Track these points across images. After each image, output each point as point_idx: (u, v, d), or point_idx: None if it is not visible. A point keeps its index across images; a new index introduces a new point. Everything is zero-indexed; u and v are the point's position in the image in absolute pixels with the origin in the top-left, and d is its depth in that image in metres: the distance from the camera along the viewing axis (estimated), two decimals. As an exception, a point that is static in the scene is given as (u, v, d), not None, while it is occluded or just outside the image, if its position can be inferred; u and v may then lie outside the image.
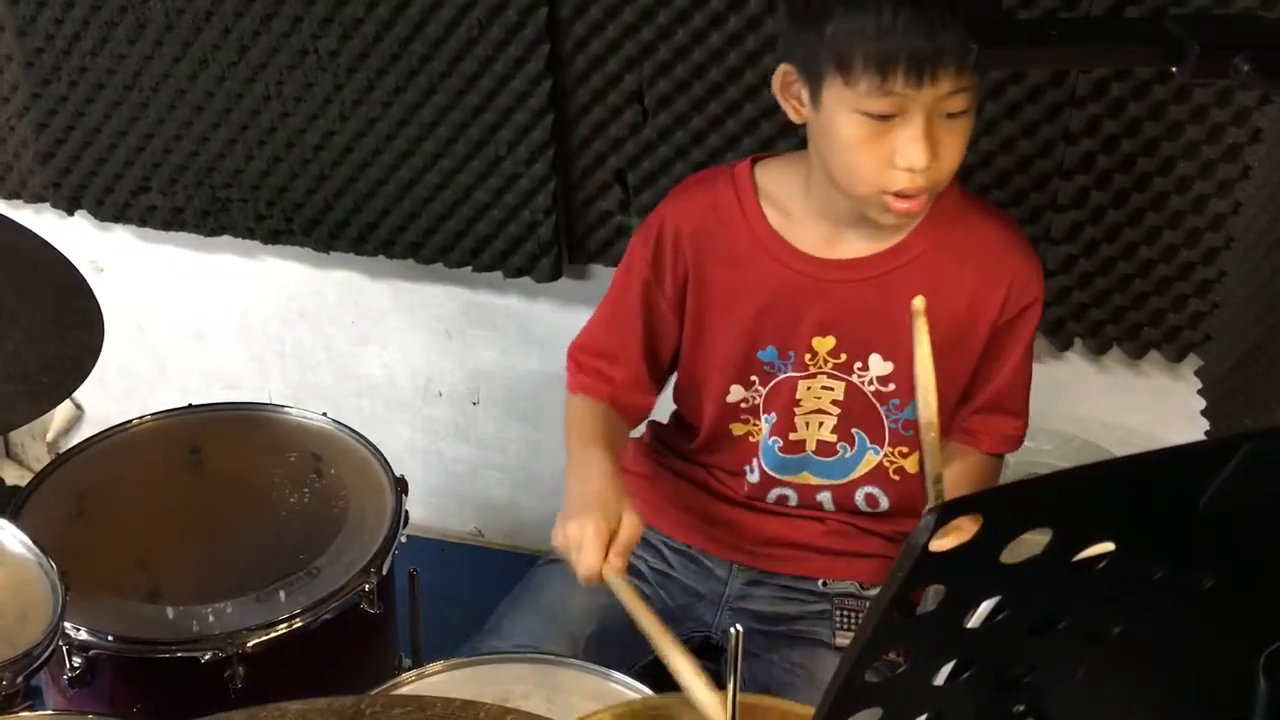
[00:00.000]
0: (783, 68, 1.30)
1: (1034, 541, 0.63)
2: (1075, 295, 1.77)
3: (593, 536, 1.25)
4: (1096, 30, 0.72)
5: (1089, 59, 1.00)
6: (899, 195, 1.26)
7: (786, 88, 1.30)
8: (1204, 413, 1.69)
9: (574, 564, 1.26)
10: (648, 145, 1.84)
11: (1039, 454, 1.83)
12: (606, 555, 1.25)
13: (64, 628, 1.27)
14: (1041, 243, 1.74)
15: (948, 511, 0.56)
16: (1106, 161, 1.68)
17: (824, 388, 1.41)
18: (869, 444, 1.43)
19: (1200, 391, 1.71)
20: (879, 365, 1.39)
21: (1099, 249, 1.74)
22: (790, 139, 1.75)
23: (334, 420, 1.64)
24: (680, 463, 1.54)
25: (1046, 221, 1.74)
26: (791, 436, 1.44)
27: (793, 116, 1.32)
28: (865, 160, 1.25)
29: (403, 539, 1.50)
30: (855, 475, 1.45)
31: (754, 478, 1.48)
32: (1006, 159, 1.71)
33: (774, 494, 1.48)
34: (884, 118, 1.22)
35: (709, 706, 1.10)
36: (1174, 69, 0.73)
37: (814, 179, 1.36)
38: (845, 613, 1.46)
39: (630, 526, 1.27)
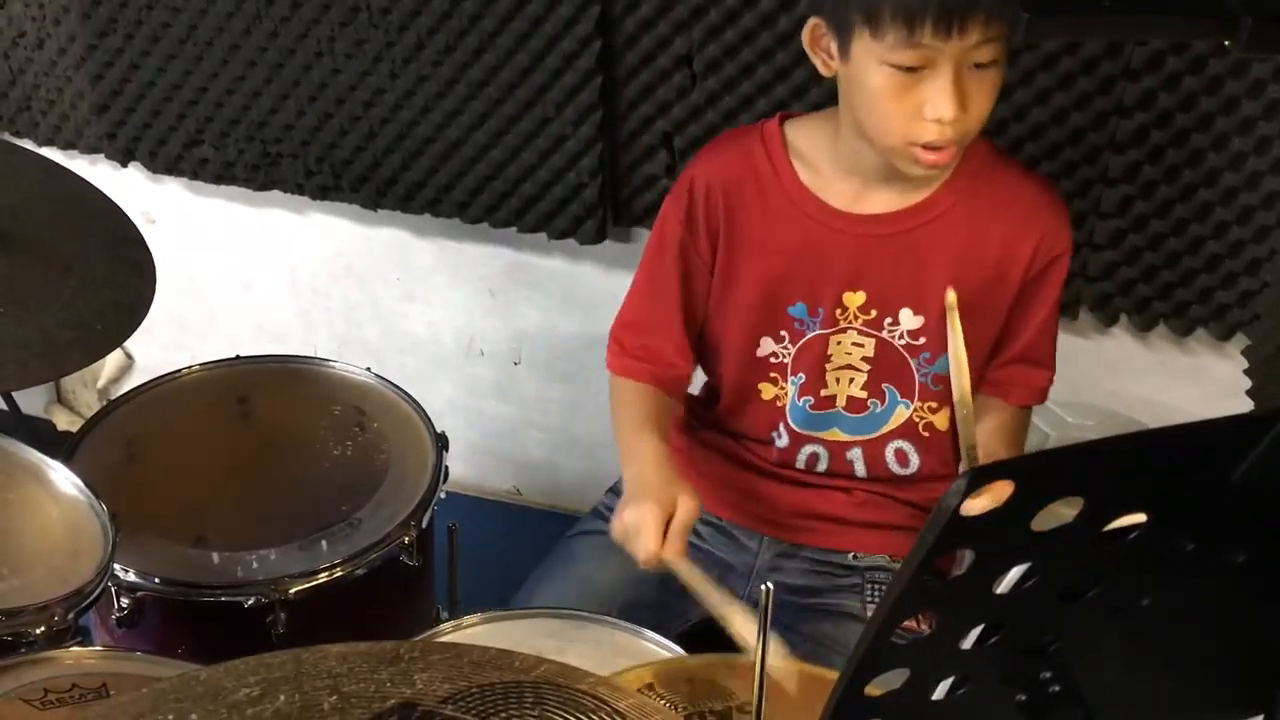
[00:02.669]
0: (812, 21, 1.31)
1: (1065, 511, 0.64)
2: (1123, 271, 1.76)
3: (649, 522, 1.27)
4: (1149, 1, 0.71)
5: (1140, 30, 0.98)
6: (927, 147, 1.26)
7: (815, 41, 1.31)
8: (1249, 392, 1.67)
9: (633, 551, 1.29)
10: (695, 109, 1.83)
11: (1080, 429, 1.82)
12: (665, 539, 1.27)
13: (113, 568, 1.30)
14: (1090, 216, 1.73)
15: (980, 475, 0.57)
16: (1160, 136, 1.65)
17: (854, 344, 1.42)
18: (899, 398, 1.44)
19: (1246, 371, 1.69)
20: (909, 320, 1.40)
21: (1149, 224, 1.72)
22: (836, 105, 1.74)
23: (378, 375, 1.66)
24: (709, 433, 1.55)
25: (1096, 195, 1.72)
26: (822, 393, 1.45)
27: (822, 70, 1.32)
28: (894, 112, 1.25)
29: (442, 494, 1.52)
30: (885, 430, 1.46)
31: (783, 441, 1.48)
32: (1058, 131, 1.69)
33: (804, 455, 1.48)
34: (912, 70, 1.23)
35: (778, 671, 1.13)
36: (1227, 42, 0.72)
37: (843, 134, 1.36)
38: (876, 586, 1.47)
39: (686, 508, 1.29)
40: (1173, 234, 1.72)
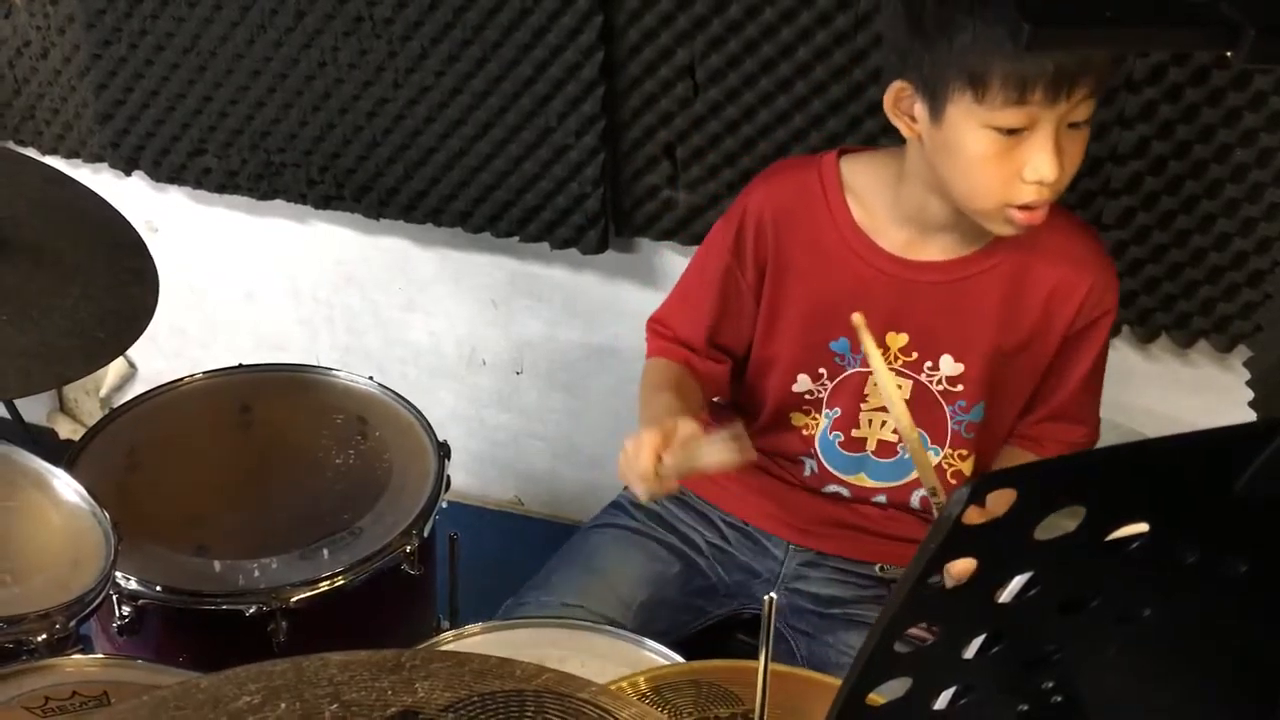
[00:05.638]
0: (897, 84, 1.26)
1: (1067, 520, 0.64)
2: (1125, 282, 1.76)
3: (645, 443, 1.23)
4: (1151, 11, 0.71)
5: (1142, 41, 0.99)
6: (1023, 208, 1.24)
7: (899, 103, 1.27)
8: (1252, 404, 1.67)
9: (631, 481, 1.26)
10: (698, 120, 1.84)
11: (1081, 440, 1.82)
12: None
13: (115, 576, 1.30)
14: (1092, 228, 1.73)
15: (982, 485, 0.57)
16: (1161, 147, 1.66)
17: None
18: (929, 445, 1.42)
19: (1249, 383, 1.68)
20: (949, 365, 1.39)
21: (1150, 235, 1.72)
22: (839, 116, 1.75)
23: (380, 384, 1.66)
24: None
25: (1098, 207, 1.72)
26: (854, 433, 1.44)
27: (905, 132, 1.29)
28: (992, 175, 1.22)
29: (444, 504, 1.52)
30: (912, 478, 1.44)
31: (813, 469, 1.48)
32: (1059, 142, 1.70)
33: (828, 489, 1.49)
34: (1013, 132, 1.20)
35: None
36: (1228, 53, 0.72)
37: (910, 186, 1.34)
38: None
39: (685, 427, 1.24)
40: (1175, 246, 1.72)
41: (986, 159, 1.22)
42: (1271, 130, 1.61)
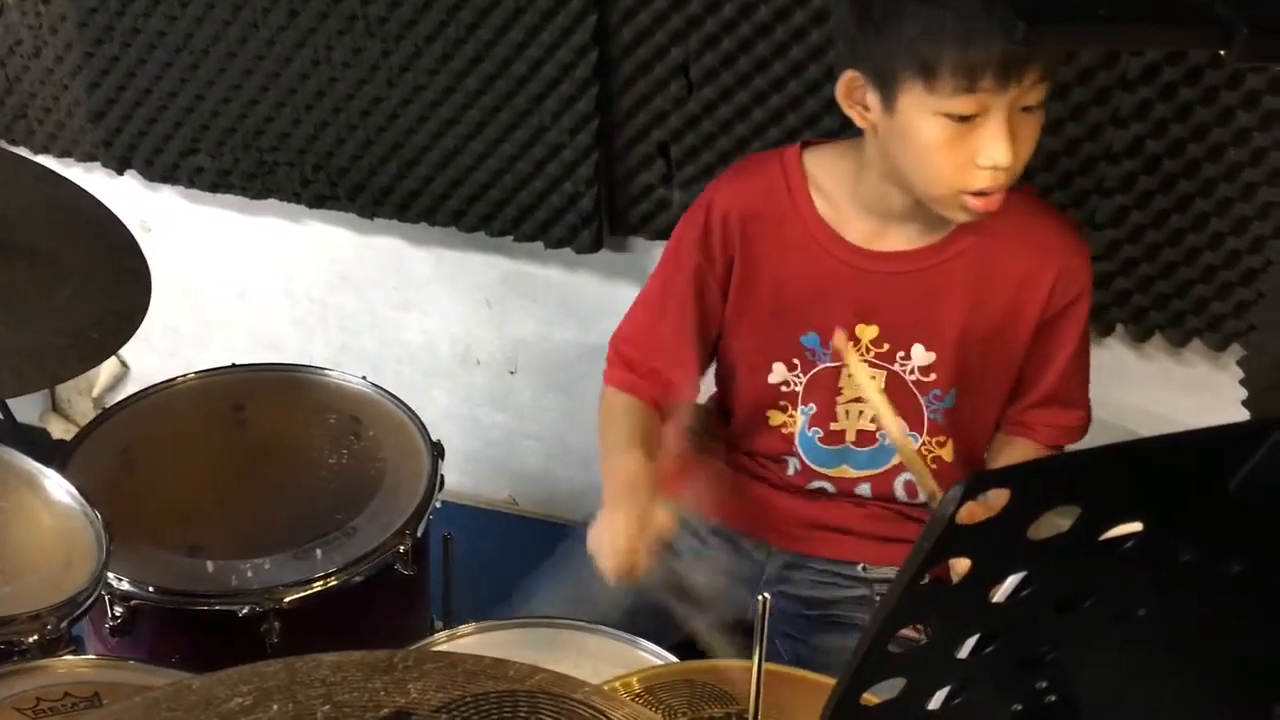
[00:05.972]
0: (848, 74, 1.26)
1: (1061, 520, 0.64)
2: (1118, 281, 1.76)
3: (619, 532, 1.25)
4: (1145, 9, 0.71)
5: (1137, 39, 0.99)
6: (977, 194, 1.24)
7: (851, 93, 1.27)
8: (1245, 403, 1.67)
9: (601, 563, 1.27)
10: (692, 119, 1.83)
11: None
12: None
13: (107, 577, 1.30)
14: (1086, 227, 1.73)
15: (976, 484, 0.57)
16: (1155, 146, 1.66)
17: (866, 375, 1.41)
18: (908, 432, 1.42)
19: (1242, 382, 1.69)
20: (921, 355, 1.39)
21: (1144, 234, 1.72)
22: (835, 115, 1.74)
23: (373, 384, 1.66)
24: (719, 447, 1.54)
25: (1092, 206, 1.72)
26: (832, 426, 1.44)
27: (859, 122, 1.29)
28: (946, 162, 1.23)
29: (438, 504, 1.52)
30: (893, 463, 1.45)
31: (796, 467, 1.48)
32: (1053, 141, 1.69)
33: (813, 485, 1.48)
34: (965, 119, 1.20)
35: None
36: (1223, 52, 0.72)
37: (868, 177, 1.34)
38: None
39: (658, 523, 1.26)
40: (1169, 244, 1.72)
41: (940, 146, 1.22)
42: (1265, 129, 1.61)
